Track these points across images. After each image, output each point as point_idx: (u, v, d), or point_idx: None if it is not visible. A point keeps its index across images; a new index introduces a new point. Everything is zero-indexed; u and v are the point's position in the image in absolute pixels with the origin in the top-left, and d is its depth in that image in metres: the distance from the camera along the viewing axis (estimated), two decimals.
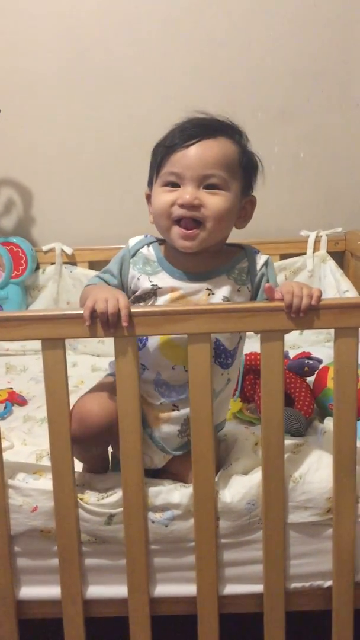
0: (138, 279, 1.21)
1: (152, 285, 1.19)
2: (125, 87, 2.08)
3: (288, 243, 2.09)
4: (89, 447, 1.20)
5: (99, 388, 1.23)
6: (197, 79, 2.07)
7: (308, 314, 1.09)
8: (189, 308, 1.13)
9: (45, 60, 2.06)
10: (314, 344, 1.97)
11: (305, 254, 2.07)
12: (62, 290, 2.08)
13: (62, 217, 2.16)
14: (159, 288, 1.19)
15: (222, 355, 1.21)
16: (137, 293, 1.21)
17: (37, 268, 2.10)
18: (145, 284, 1.20)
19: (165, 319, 1.10)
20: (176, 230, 1.16)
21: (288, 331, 1.13)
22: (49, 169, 2.13)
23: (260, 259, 1.23)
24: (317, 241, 2.06)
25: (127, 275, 1.22)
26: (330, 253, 2.07)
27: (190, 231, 1.14)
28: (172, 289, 1.19)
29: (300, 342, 1.97)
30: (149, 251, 1.23)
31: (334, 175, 2.13)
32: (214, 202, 1.14)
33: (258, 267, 1.22)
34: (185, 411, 1.20)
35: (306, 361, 1.59)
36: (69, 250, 2.08)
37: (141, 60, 2.06)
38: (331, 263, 2.05)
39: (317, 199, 2.14)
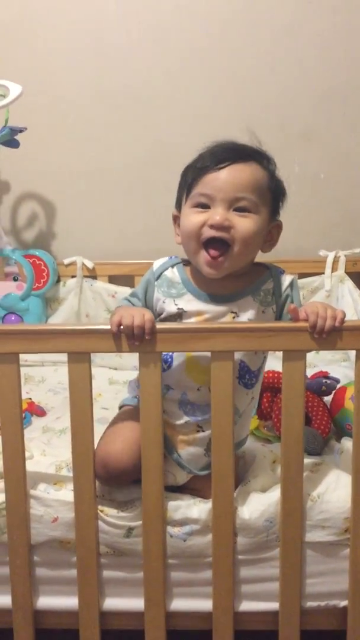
0: (163, 302, 1.22)
1: (178, 308, 1.21)
2: (149, 106, 2.11)
3: (306, 262, 2.10)
4: (115, 485, 1.22)
5: (120, 426, 1.24)
6: (219, 99, 2.10)
7: (331, 334, 1.11)
8: (214, 326, 1.15)
9: (71, 80, 2.09)
10: (330, 363, 1.98)
11: (323, 273, 2.08)
12: (82, 303, 2.11)
13: (83, 231, 2.19)
14: (185, 312, 1.21)
15: (246, 376, 1.23)
16: (162, 316, 1.22)
17: (58, 281, 2.13)
18: (170, 307, 1.21)
19: (189, 336, 1.12)
20: (203, 256, 1.17)
21: (310, 351, 1.14)
22: (72, 184, 2.16)
23: (286, 280, 1.24)
24: (335, 261, 2.07)
25: (152, 298, 1.24)
26: (348, 273, 2.08)
27: (217, 260, 1.16)
28: (198, 313, 1.20)
29: (317, 360, 1.97)
30: (174, 273, 1.25)
31: (353, 196, 2.15)
32: (244, 224, 1.15)
33: (283, 288, 1.23)
34: (209, 432, 1.21)
35: (324, 380, 1.60)
36: (89, 264, 2.11)
37: (165, 81, 2.09)
38: (349, 283, 2.06)
39: (337, 219, 2.16)
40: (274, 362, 1.78)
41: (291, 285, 1.24)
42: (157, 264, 1.27)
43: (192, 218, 1.17)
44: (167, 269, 1.26)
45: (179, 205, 1.24)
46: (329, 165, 2.13)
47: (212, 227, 1.15)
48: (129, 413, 1.27)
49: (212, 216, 1.15)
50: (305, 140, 2.12)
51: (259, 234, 1.18)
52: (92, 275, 2.13)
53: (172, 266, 1.26)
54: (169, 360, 1.21)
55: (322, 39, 2.06)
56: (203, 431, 1.23)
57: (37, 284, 2.07)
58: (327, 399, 1.60)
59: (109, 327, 1.12)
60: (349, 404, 1.50)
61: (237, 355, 1.19)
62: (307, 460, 1.26)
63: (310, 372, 1.73)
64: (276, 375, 1.61)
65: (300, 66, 2.08)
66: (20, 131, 1.88)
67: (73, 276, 2.12)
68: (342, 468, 1.28)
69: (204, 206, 1.17)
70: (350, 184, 2.15)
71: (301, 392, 1.14)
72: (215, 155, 1.18)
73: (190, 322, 1.20)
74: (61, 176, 2.16)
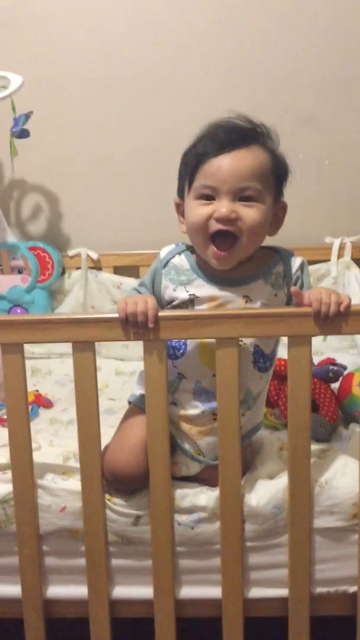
0: (174, 289, 1.21)
1: (190, 294, 1.20)
2: (151, 94, 2.10)
3: (312, 249, 2.09)
4: (123, 490, 1.22)
5: (129, 433, 1.23)
6: (223, 85, 2.08)
7: (336, 320, 1.10)
8: (217, 313, 1.14)
9: (75, 70, 2.09)
10: (338, 350, 1.97)
11: (329, 260, 2.07)
12: (87, 295, 2.11)
13: (88, 222, 2.18)
14: (197, 297, 1.20)
15: (261, 360, 1.22)
16: (174, 303, 1.22)
17: (63, 273, 2.13)
18: (182, 294, 1.21)
19: (193, 322, 1.12)
20: (211, 250, 1.16)
21: (315, 335, 1.13)
22: (76, 175, 2.16)
23: (296, 262, 1.22)
24: (341, 248, 2.06)
25: (159, 286, 1.23)
26: (354, 260, 2.07)
27: (225, 253, 1.15)
28: (211, 298, 1.19)
29: (324, 348, 1.97)
30: (181, 260, 1.24)
31: (358, 183, 2.13)
32: (250, 214, 1.14)
33: (293, 270, 1.22)
34: None
35: (331, 367, 1.59)
36: (94, 256, 2.11)
37: (167, 69, 2.08)
38: (355, 270, 2.05)
39: (342, 206, 2.14)
40: (280, 350, 1.78)
41: (301, 267, 1.22)
42: (163, 252, 1.26)
43: (198, 211, 1.16)
44: (174, 256, 1.25)
45: (181, 193, 1.22)
46: (333, 152, 2.12)
47: (218, 220, 1.14)
48: (136, 416, 1.25)
49: (218, 209, 1.13)
50: (309, 127, 2.10)
51: (265, 221, 1.17)
52: (97, 266, 2.12)
53: (180, 253, 1.25)
54: (183, 347, 1.20)
55: (326, 24, 2.04)
56: None
57: (42, 276, 2.07)
58: (335, 385, 1.59)
59: (112, 315, 1.11)
60: (357, 390, 1.50)
61: (251, 340, 1.19)
62: (315, 447, 1.26)
63: (317, 360, 1.72)
64: (283, 362, 1.60)
65: (303, 52, 2.07)
66: (27, 116, 1.88)
67: (78, 268, 2.12)
68: (351, 454, 1.28)
69: (209, 197, 1.15)
70: (355, 170, 2.13)
71: (307, 378, 1.13)
72: (216, 140, 1.16)
73: (203, 308, 1.19)
74: (64, 167, 2.16)
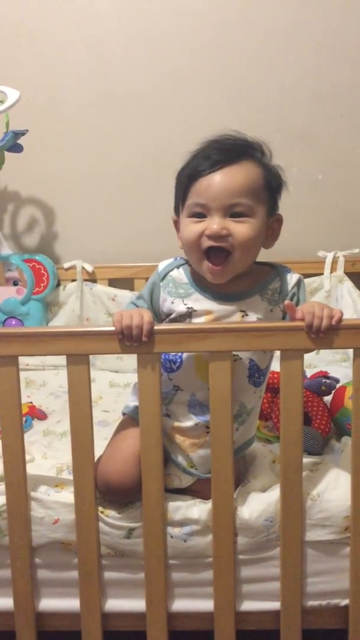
0: (172, 302, 1.23)
1: (187, 307, 1.21)
2: (148, 109, 2.12)
3: (305, 263, 2.10)
4: (116, 502, 1.23)
5: (122, 445, 1.24)
6: (218, 101, 2.10)
7: (328, 333, 1.11)
8: (211, 326, 1.16)
9: (71, 84, 2.10)
10: (330, 363, 1.98)
11: (322, 274, 2.09)
12: (82, 307, 2.11)
13: (83, 235, 2.19)
14: (194, 310, 1.21)
15: (256, 375, 1.23)
16: (172, 316, 1.23)
17: (58, 285, 2.13)
18: (179, 307, 1.22)
19: (186, 336, 1.13)
20: (206, 265, 1.18)
21: (308, 351, 1.15)
22: (72, 188, 2.17)
23: (292, 279, 1.24)
24: (334, 262, 2.08)
25: (158, 299, 1.25)
26: (347, 274, 2.08)
27: (218, 267, 1.17)
28: (207, 312, 1.21)
29: (317, 361, 1.98)
30: (180, 273, 1.25)
31: (352, 197, 2.15)
32: (241, 230, 1.15)
33: (290, 286, 1.23)
34: None
35: (323, 380, 1.60)
36: (89, 268, 2.12)
37: (163, 84, 2.10)
38: (348, 284, 2.06)
39: (335, 220, 2.16)
40: (273, 363, 1.79)
41: (298, 284, 1.24)
42: (162, 265, 1.28)
43: (190, 229, 1.18)
44: (172, 269, 1.26)
45: (177, 211, 1.24)
46: (327, 167, 2.14)
47: (209, 237, 1.15)
48: (130, 428, 1.26)
49: (209, 226, 1.15)
50: (303, 142, 2.12)
51: (258, 236, 1.18)
52: (92, 278, 2.13)
53: (178, 267, 1.26)
54: (178, 360, 1.21)
55: (320, 40, 2.07)
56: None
57: (37, 288, 2.08)
58: (327, 399, 1.60)
59: (107, 328, 1.12)
60: (349, 403, 1.50)
61: (247, 354, 1.20)
62: (307, 460, 1.27)
63: (310, 373, 1.73)
64: (276, 375, 1.61)
65: (297, 67, 2.09)
66: (23, 134, 1.89)
67: (73, 280, 2.13)
68: (343, 467, 1.28)
69: (200, 215, 1.17)
70: (349, 185, 2.15)
71: (299, 391, 1.14)
72: (207, 158, 1.17)
73: (200, 321, 1.21)
74: (60, 180, 2.17)
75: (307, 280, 2.09)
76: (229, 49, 2.09)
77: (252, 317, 1.20)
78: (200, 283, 1.23)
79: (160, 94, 2.11)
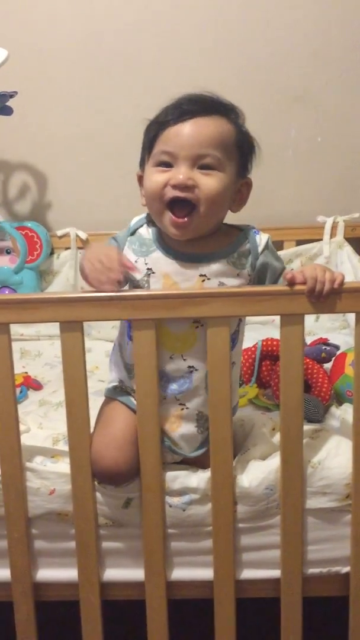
0: (135, 261, 1.17)
1: (147, 269, 1.16)
2: (141, 70, 2.06)
3: (304, 229, 2.07)
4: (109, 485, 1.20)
5: (113, 428, 1.19)
6: (213, 60, 2.04)
7: (329, 297, 1.08)
8: (208, 291, 1.12)
9: (61, 45, 2.04)
10: (330, 330, 1.96)
11: (321, 240, 2.05)
12: (77, 275, 2.08)
13: (76, 202, 2.15)
14: (153, 272, 1.16)
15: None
16: (133, 281, 1.18)
17: (52, 253, 2.10)
18: (141, 266, 1.17)
19: (182, 302, 1.09)
20: (168, 217, 1.12)
21: (308, 314, 1.11)
22: (64, 154, 2.12)
23: (262, 241, 1.18)
24: (334, 227, 2.04)
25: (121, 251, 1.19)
26: (347, 239, 2.04)
27: (182, 220, 1.11)
28: (165, 275, 1.15)
29: (316, 329, 1.95)
30: (146, 230, 1.20)
31: (351, 161, 2.10)
32: (209, 183, 1.10)
33: (260, 249, 1.18)
34: (193, 407, 1.18)
35: (323, 347, 1.58)
36: (83, 236, 2.08)
37: (156, 43, 2.04)
38: (348, 249, 2.03)
39: (335, 185, 2.11)
40: (273, 330, 1.77)
41: (267, 245, 1.18)
42: (134, 220, 1.23)
43: (155, 177, 1.12)
44: (142, 225, 1.21)
45: (142, 165, 1.18)
46: (326, 129, 2.09)
47: (175, 187, 1.10)
48: (115, 410, 1.22)
49: (174, 175, 1.09)
50: (301, 103, 2.07)
51: (225, 192, 1.12)
52: (86, 246, 2.09)
53: (147, 223, 1.20)
54: None
55: None
56: (188, 408, 1.19)
57: (30, 257, 2.04)
58: (327, 366, 1.58)
59: (100, 294, 1.09)
60: (349, 370, 1.48)
61: None
62: (307, 427, 1.24)
63: (309, 340, 1.70)
64: (275, 342, 1.59)
65: (295, 26, 2.03)
66: (11, 96, 1.83)
67: (67, 248, 2.09)
68: (344, 434, 1.26)
69: (167, 164, 1.11)
70: (348, 148, 2.10)
71: (300, 357, 1.11)
72: (177, 109, 1.12)
73: (157, 287, 1.15)
74: (52, 146, 2.12)
75: (306, 246, 2.06)
76: (225, 8, 2.01)
77: (214, 281, 1.15)
78: (163, 241, 1.18)
79: (154, 55, 2.05)
